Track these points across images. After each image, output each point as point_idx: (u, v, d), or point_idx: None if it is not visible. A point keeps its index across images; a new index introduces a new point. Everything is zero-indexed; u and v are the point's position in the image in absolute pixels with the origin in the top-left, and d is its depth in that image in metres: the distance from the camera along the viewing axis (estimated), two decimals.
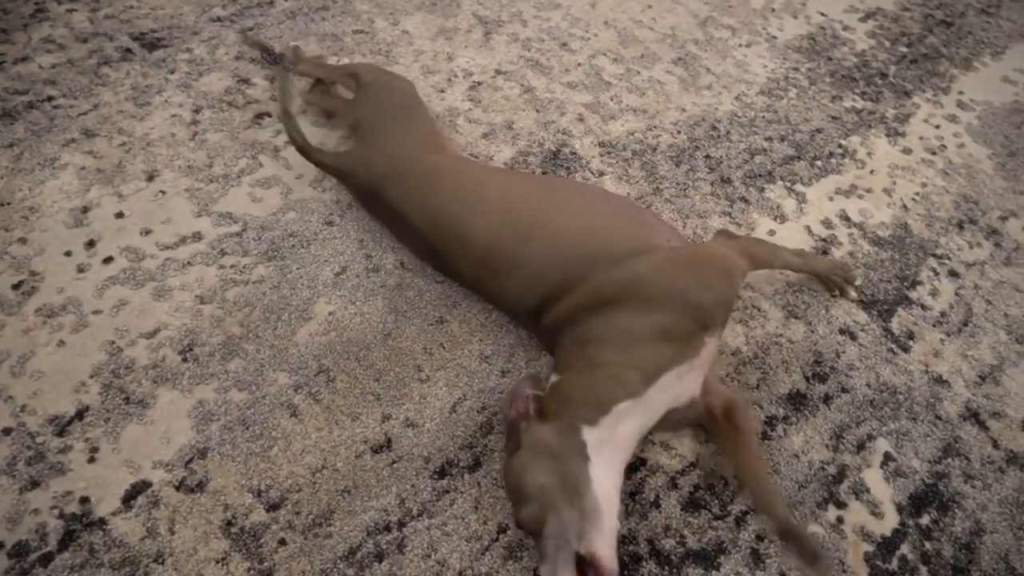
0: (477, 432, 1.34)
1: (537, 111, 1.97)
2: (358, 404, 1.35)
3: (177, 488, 1.22)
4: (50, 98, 1.81)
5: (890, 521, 1.31)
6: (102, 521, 1.18)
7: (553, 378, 1.23)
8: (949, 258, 1.78)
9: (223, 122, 1.81)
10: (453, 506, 1.25)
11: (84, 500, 1.20)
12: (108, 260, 1.51)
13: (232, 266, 1.53)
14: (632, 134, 1.95)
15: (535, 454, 1.11)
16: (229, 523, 1.19)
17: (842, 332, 1.57)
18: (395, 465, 1.28)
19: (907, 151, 2.06)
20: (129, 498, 1.21)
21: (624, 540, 1.23)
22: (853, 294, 1.62)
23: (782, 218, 1.80)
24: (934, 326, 1.63)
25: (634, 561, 1.21)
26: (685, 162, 1.90)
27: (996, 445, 1.44)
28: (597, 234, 1.33)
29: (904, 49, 2.46)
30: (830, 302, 1.63)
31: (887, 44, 2.47)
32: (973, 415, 1.48)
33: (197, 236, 1.57)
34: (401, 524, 1.22)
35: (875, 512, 1.32)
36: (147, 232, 1.57)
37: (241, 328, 1.43)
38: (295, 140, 1.56)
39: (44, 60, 1.90)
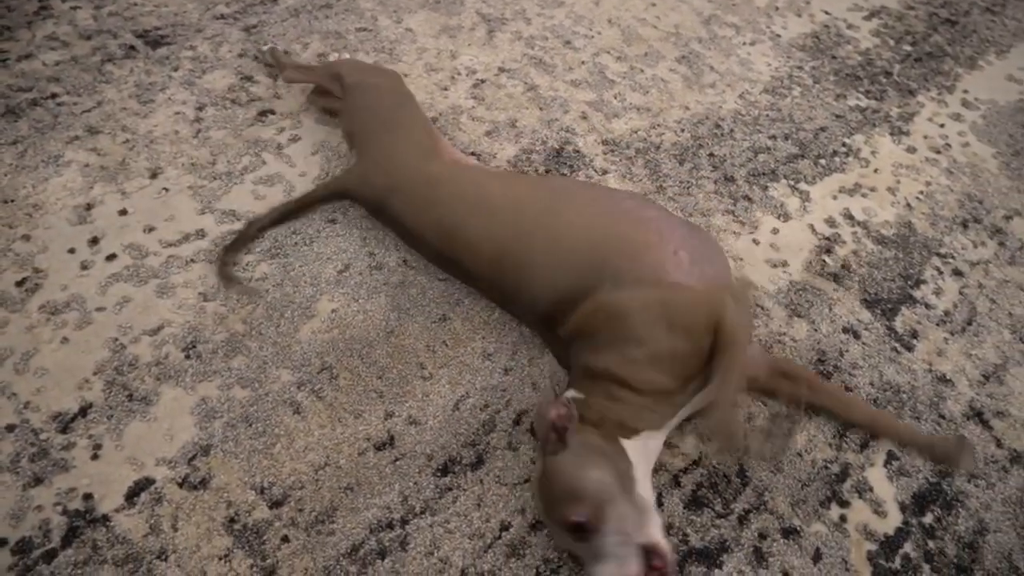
0: (480, 430, 1.34)
1: (540, 109, 1.97)
2: (361, 401, 1.35)
3: (180, 485, 1.22)
4: (54, 95, 1.81)
5: (893, 520, 1.31)
6: (105, 518, 1.18)
7: (572, 392, 1.24)
8: (953, 257, 1.78)
9: (226, 119, 1.81)
10: (456, 503, 1.25)
11: (87, 497, 1.20)
12: (111, 257, 1.51)
13: (235, 264, 1.53)
14: (636, 132, 1.95)
15: (588, 452, 1.12)
16: (232, 520, 1.19)
17: (845, 331, 1.57)
18: (398, 462, 1.28)
19: (911, 150, 2.05)
20: (132, 495, 1.21)
21: None
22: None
23: (785, 216, 1.80)
24: (938, 325, 1.62)
25: None
26: (689, 160, 1.89)
27: (1000, 444, 1.43)
28: (602, 242, 1.31)
29: (908, 48, 2.45)
30: (833, 301, 1.62)
31: (891, 42, 2.46)
32: (977, 414, 1.48)
33: (200, 233, 1.57)
34: (404, 521, 1.22)
35: (878, 511, 1.31)
36: (150, 229, 1.57)
37: (244, 325, 1.44)
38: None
39: (48, 57, 1.91)
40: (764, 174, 1.89)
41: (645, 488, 1.13)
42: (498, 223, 1.37)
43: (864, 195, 1.89)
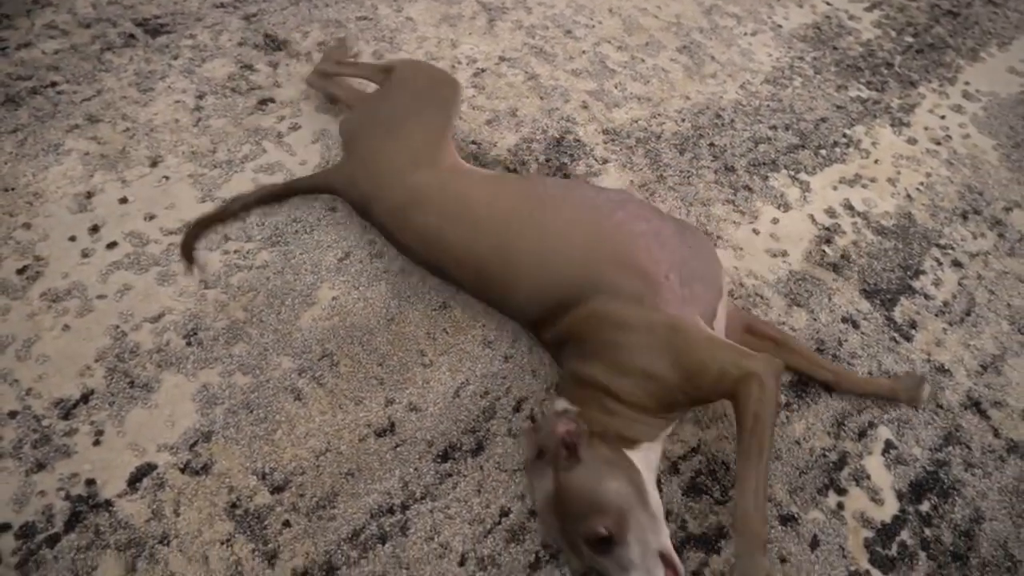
0: (480, 417, 1.35)
1: (541, 98, 1.97)
2: (362, 388, 1.36)
3: (182, 471, 1.23)
4: (53, 84, 1.81)
5: (890, 508, 1.32)
6: (108, 503, 1.19)
7: (564, 403, 1.23)
8: (953, 248, 1.78)
9: (226, 108, 1.81)
10: (456, 489, 1.25)
11: (90, 482, 1.21)
12: (112, 245, 1.52)
13: (236, 251, 1.53)
14: (636, 122, 1.95)
15: (603, 464, 1.12)
16: (234, 505, 1.20)
17: (844, 320, 1.58)
18: (398, 449, 1.29)
19: (912, 141, 2.05)
20: (134, 480, 1.21)
21: None
22: None
23: (786, 207, 1.80)
24: (936, 315, 1.63)
25: None
26: (689, 150, 1.90)
27: (997, 434, 1.44)
28: (591, 260, 1.29)
29: (910, 39, 2.45)
30: (832, 291, 1.63)
31: (893, 34, 2.46)
32: (974, 404, 1.48)
33: None
34: (404, 507, 1.22)
35: (875, 499, 1.32)
36: (151, 217, 1.57)
37: (245, 313, 1.44)
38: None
39: (47, 46, 1.90)
40: (764, 164, 1.90)
41: (654, 497, 1.14)
42: (482, 235, 1.35)
43: (864, 186, 1.89)
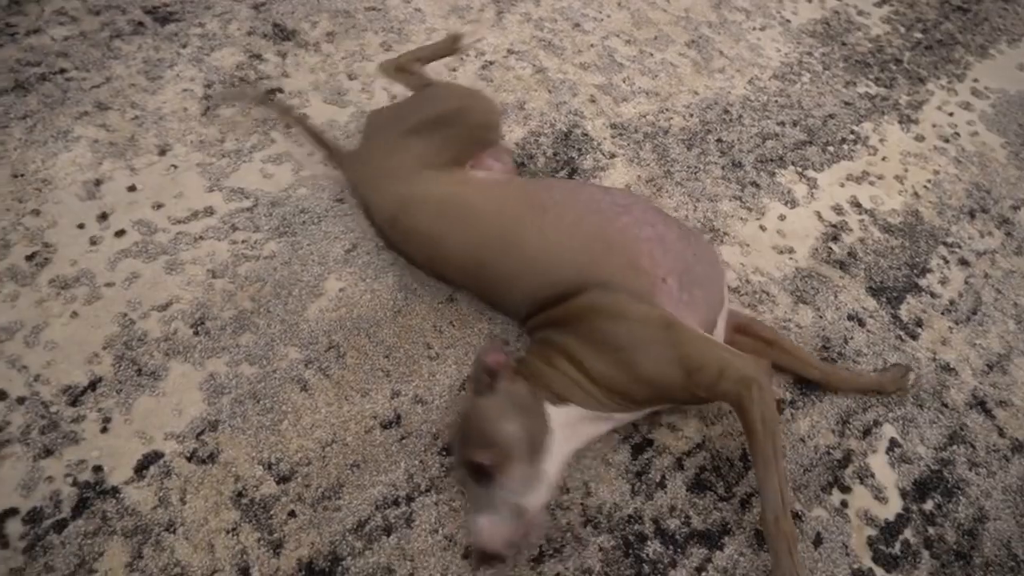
0: None
1: (549, 92, 1.96)
2: (368, 380, 1.36)
3: (188, 459, 1.24)
4: (63, 70, 1.81)
5: (894, 506, 1.32)
6: (115, 490, 1.19)
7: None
8: (960, 246, 1.78)
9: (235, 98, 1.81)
10: None
11: (97, 469, 1.21)
12: (120, 233, 1.52)
13: (243, 241, 1.53)
14: (644, 116, 1.95)
15: (511, 403, 1.17)
16: (240, 494, 1.21)
17: (850, 318, 1.58)
18: (404, 441, 1.30)
19: (920, 138, 2.05)
20: (141, 468, 1.22)
21: (629, 519, 1.24)
22: None
23: (793, 203, 1.80)
24: (943, 314, 1.63)
25: (639, 540, 1.22)
26: (697, 145, 1.89)
27: (1002, 433, 1.44)
28: (590, 266, 1.29)
29: (919, 35, 2.44)
30: (839, 288, 1.63)
31: (902, 30, 2.45)
32: (980, 403, 1.48)
33: (209, 211, 1.58)
34: (409, 499, 1.23)
35: (879, 497, 1.33)
36: (159, 206, 1.57)
37: (252, 303, 1.44)
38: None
39: (56, 32, 1.90)
40: (772, 160, 1.89)
41: (554, 464, 1.15)
42: (484, 240, 1.35)
43: (872, 183, 1.89)
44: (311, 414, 1.31)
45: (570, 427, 1.19)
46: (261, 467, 1.24)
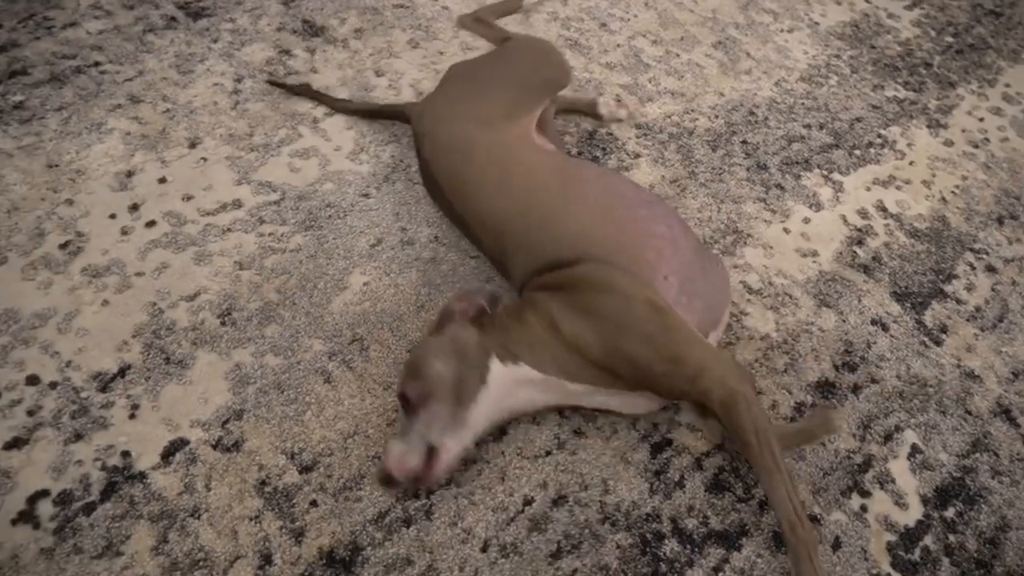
0: None
1: (575, 91, 1.97)
2: (390, 373, 1.38)
3: (214, 447, 1.26)
4: (97, 63, 1.84)
5: (914, 512, 1.31)
6: (142, 475, 1.22)
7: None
8: (987, 253, 1.76)
9: (264, 92, 1.84)
10: (480, 476, 1.27)
11: (125, 454, 1.24)
12: (151, 224, 1.55)
13: (270, 234, 1.56)
14: (669, 117, 1.95)
15: (450, 347, 1.21)
16: (263, 483, 1.23)
17: (874, 323, 1.57)
18: None
19: (949, 143, 2.03)
20: (168, 454, 1.25)
21: (647, 518, 1.25)
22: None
23: (818, 206, 1.79)
24: (968, 320, 1.61)
25: (657, 539, 1.23)
26: (721, 147, 1.89)
27: None
28: (600, 241, 1.30)
29: (950, 39, 2.41)
30: (863, 292, 1.62)
31: (933, 33, 2.42)
32: (1004, 411, 1.47)
33: (237, 204, 1.60)
34: (429, 491, 1.24)
35: (899, 503, 1.32)
36: (188, 198, 1.60)
37: (278, 295, 1.47)
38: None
39: (91, 26, 1.94)
40: (797, 163, 1.88)
41: (479, 415, 1.18)
42: (510, 197, 1.38)
43: (898, 187, 1.88)
44: (334, 406, 1.33)
45: (510, 385, 1.22)
46: (284, 456, 1.26)
